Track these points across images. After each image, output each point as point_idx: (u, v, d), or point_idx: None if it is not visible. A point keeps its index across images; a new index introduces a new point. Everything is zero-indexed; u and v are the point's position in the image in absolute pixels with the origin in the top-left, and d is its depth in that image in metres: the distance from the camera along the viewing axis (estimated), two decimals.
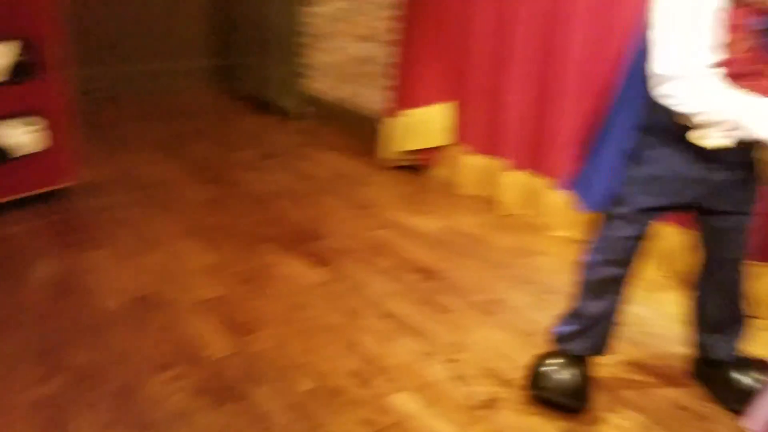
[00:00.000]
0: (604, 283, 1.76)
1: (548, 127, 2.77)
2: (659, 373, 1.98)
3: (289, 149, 3.99)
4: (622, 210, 1.67)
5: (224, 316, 2.21)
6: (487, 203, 3.12)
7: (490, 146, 3.06)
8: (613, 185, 1.68)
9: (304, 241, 2.75)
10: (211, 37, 4.98)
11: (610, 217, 1.71)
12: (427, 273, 2.52)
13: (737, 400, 1.75)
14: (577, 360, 1.81)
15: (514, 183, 2.96)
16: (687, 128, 1.50)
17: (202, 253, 2.62)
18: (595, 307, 1.77)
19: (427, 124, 3.28)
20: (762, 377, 1.73)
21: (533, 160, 2.88)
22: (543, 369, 1.81)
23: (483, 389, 1.89)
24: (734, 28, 1.42)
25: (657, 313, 2.24)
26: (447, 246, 2.75)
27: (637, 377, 1.96)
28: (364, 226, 2.91)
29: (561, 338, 1.84)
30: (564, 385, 1.77)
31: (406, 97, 3.32)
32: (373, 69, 3.80)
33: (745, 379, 1.77)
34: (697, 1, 1.42)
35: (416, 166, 3.45)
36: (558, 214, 2.78)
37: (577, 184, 1.82)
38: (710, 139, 1.47)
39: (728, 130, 1.44)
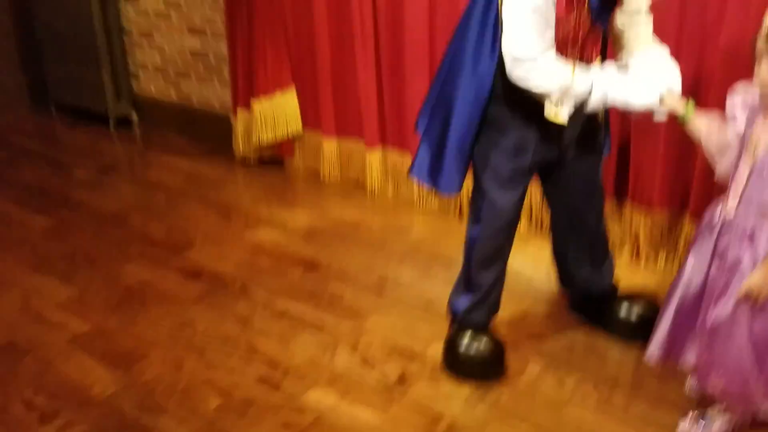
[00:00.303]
0: (494, 252, 1.82)
1: (401, 103, 2.81)
2: (547, 319, 2.11)
3: (130, 159, 3.73)
4: (496, 178, 1.71)
5: (103, 349, 2.03)
6: (354, 186, 3.11)
7: (347, 129, 3.05)
8: (464, 164, 1.71)
9: (172, 254, 2.58)
10: (21, 48, 4.47)
11: (485, 189, 1.74)
12: (309, 265, 2.48)
13: (628, 330, 1.92)
14: (482, 327, 1.87)
15: (377, 162, 2.98)
16: (541, 99, 1.58)
17: (60, 287, 2.38)
18: (488, 276, 1.84)
19: (277, 114, 3.19)
20: (645, 306, 1.90)
21: (392, 137, 2.92)
22: (456, 349, 1.84)
23: (392, 368, 1.90)
24: (564, 6, 1.50)
25: (535, 265, 2.37)
26: (323, 235, 2.72)
27: (528, 327, 2.07)
28: (233, 228, 2.80)
29: (461, 313, 1.89)
30: (482, 358, 1.82)
31: (250, 89, 3.20)
32: (210, 63, 3.63)
33: (631, 309, 1.93)
34: None
35: (275, 159, 3.36)
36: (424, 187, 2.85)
37: (421, 170, 1.78)
38: (563, 115, 1.58)
39: (581, 103, 1.57)
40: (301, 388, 1.83)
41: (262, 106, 3.18)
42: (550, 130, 1.65)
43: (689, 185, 2.17)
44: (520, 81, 1.54)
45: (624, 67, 1.65)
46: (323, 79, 3.01)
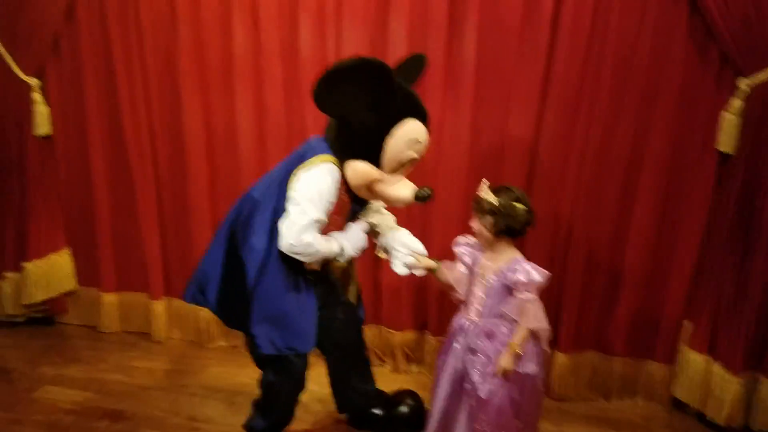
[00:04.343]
0: (289, 403, 2.29)
1: (185, 259, 3.14)
2: None
3: None
4: (292, 352, 2.12)
5: None
6: (137, 337, 3.30)
7: (129, 283, 3.28)
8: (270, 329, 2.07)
9: None
10: None
11: (279, 361, 2.13)
12: (114, 415, 2.62)
13: (407, 427, 2.45)
14: None
15: (163, 311, 3.23)
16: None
17: None
18: (281, 414, 2.31)
19: (50, 275, 3.25)
20: (413, 401, 2.49)
21: (176, 287, 3.20)
22: None
23: None
24: (336, 210, 2.07)
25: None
26: (118, 384, 2.86)
27: None
28: (19, 392, 2.76)
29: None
30: None
31: (21, 253, 3.23)
32: None
33: (403, 407, 2.48)
34: (326, 193, 1.98)
35: (45, 316, 3.36)
36: (212, 327, 3.19)
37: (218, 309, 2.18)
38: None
39: (339, 256, 2.12)
40: None
41: (34, 268, 3.23)
42: (311, 288, 2.15)
43: (427, 310, 2.92)
44: (296, 255, 1.99)
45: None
46: (103, 240, 3.23)
